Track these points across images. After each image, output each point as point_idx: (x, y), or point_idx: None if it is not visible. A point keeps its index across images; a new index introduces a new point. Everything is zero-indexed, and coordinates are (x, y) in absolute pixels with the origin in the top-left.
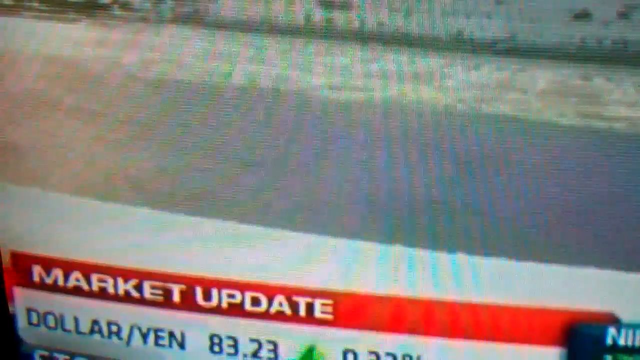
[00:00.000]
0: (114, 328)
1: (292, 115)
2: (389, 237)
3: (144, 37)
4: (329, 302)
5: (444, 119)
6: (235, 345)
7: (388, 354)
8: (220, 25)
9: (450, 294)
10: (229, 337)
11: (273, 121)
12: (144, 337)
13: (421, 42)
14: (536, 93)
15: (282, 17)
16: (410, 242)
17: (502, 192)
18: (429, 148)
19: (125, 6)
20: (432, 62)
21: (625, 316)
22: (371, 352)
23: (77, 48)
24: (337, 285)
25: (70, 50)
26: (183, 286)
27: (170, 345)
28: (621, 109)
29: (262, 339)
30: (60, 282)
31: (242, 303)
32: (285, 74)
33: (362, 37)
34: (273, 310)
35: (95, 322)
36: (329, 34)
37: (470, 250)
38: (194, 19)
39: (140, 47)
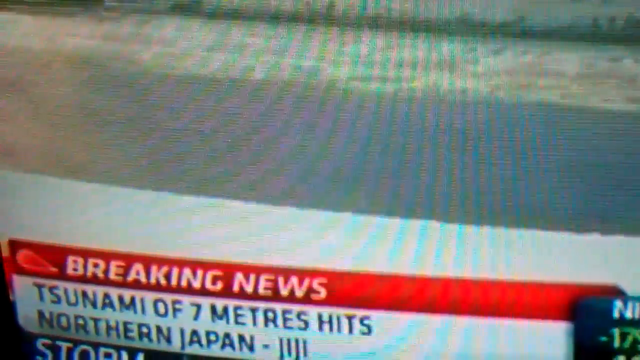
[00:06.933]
0: (119, 315)
1: (315, 106)
2: (390, 211)
3: (146, 30)
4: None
5: (484, 108)
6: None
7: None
8: (224, 15)
9: (451, 270)
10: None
11: (297, 113)
12: (149, 324)
13: (435, 27)
14: (572, 77)
15: (285, 4)
16: (410, 215)
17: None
18: (470, 138)
19: None
20: (452, 48)
21: (630, 289)
22: (367, 329)
23: (80, 43)
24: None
25: (74, 46)
26: (188, 269)
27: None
28: None
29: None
30: (62, 269)
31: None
32: (300, 65)
33: (369, 23)
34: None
35: (98, 308)
36: (331, 20)
37: (474, 221)
38: (193, 8)
39: (146, 41)
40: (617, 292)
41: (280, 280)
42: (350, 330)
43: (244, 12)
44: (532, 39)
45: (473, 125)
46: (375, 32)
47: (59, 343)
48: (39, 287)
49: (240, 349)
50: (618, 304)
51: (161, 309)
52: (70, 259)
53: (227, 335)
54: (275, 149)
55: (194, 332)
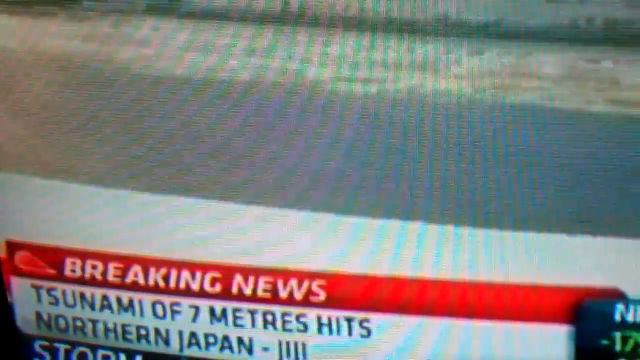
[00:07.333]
0: (117, 317)
1: (298, 107)
2: (388, 213)
3: (126, 29)
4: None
5: (467, 109)
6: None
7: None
8: (203, 15)
9: (453, 273)
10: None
11: (280, 114)
12: (147, 326)
13: (418, 28)
14: (553, 79)
15: (269, 5)
16: (408, 217)
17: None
18: (454, 139)
19: None
20: (435, 49)
21: (632, 292)
22: (367, 331)
23: (61, 43)
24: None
25: (56, 46)
26: (186, 271)
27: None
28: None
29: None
30: (60, 270)
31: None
32: (284, 66)
33: (352, 23)
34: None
35: (96, 310)
36: (315, 22)
37: (476, 224)
38: (172, 9)
39: (128, 41)
40: (618, 295)
41: (280, 282)
42: (350, 332)
43: (226, 13)
44: (513, 40)
45: (456, 127)
46: (360, 33)
47: (56, 345)
48: (37, 288)
49: (239, 351)
50: (619, 307)
51: (159, 311)
52: (68, 261)
53: (225, 338)
54: (273, 149)
55: (193, 334)
